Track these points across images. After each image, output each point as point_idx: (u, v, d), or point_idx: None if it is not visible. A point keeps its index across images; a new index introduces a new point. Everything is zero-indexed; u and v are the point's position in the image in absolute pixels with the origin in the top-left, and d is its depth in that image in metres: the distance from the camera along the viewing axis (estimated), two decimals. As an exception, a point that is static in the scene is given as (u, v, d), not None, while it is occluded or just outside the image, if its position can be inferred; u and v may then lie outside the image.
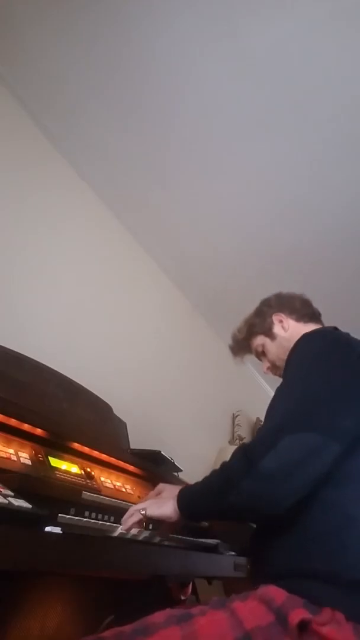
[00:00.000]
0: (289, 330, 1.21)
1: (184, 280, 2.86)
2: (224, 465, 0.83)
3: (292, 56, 1.57)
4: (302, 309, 1.24)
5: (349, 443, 0.79)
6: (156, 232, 2.50)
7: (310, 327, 1.17)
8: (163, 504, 0.89)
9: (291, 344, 1.03)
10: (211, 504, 0.84)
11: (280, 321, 1.24)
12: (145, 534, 0.90)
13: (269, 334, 1.25)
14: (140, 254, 2.59)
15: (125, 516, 0.89)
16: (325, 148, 1.88)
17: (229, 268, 2.68)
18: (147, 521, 0.91)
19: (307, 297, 1.29)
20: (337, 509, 0.78)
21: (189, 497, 0.88)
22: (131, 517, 0.88)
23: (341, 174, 1.98)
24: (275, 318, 1.25)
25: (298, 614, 0.67)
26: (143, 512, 0.89)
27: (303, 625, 0.66)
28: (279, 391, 0.90)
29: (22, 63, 1.74)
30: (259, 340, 1.27)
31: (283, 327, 1.22)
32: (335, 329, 1.08)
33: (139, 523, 0.89)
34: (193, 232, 2.47)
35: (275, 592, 0.72)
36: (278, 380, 0.99)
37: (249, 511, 0.80)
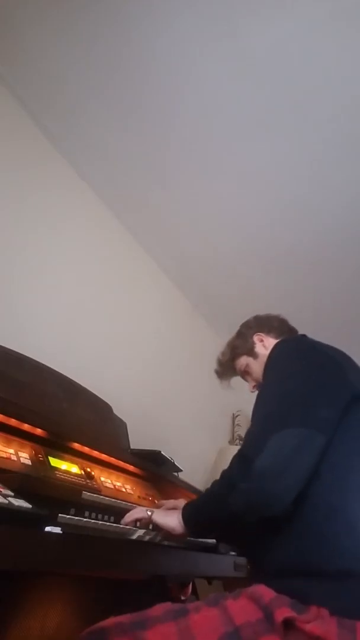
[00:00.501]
0: (269, 347, 1.23)
1: (184, 280, 2.85)
2: (224, 473, 0.87)
3: (292, 56, 1.57)
4: (280, 327, 1.31)
5: (332, 432, 0.83)
6: (156, 232, 2.50)
7: None
8: (170, 514, 0.93)
9: None
10: (213, 511, 0.87)
11: (261, 340, 1.30)
12: (150, 534, 0.91)
13: (252, 353, 1.31)
14: (140, 254, 2.59)
15: (131, 512, 0.94)
16: (325, 148, 1.88)
17: (229, 268, 2.68)
18: (150, 524, 0.93)
19: (283, 317, 1.36)
20: (320, 500, 0.80)
21: (191, 508, 0.91)
22: (136, 513, 0.93)
23: (341, 174, 1.98)
24: (256, 338, 1.31)
25: (282, 612, 0.69)
26: (150, 512, 0.93)
27: (288, 623, 0.69)
28: (259, 396, 0.95)
29: (22, 63, 1.74)
30: (243, 360, 1.33)
31: (264, 346, 1.29)
32: (304, 336, 1.15)
33: (141, 522, 0.93)
34: (193, 232, 2.47)
35: (264, 591, 0.75)
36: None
37: (249, 512, 0.81)
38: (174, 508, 1.09)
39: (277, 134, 1.85)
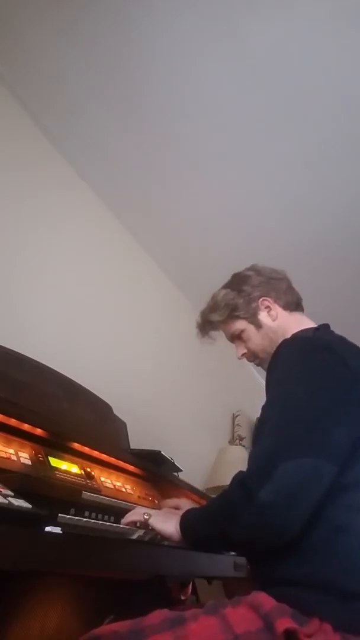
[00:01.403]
0: (277, 319, 1.10)
1: (184, 280, 2.85)
2: (224, 496, 0.82)
3: (292, 56, 1.57)
4: (288, 293, 1.13)
5: (343, 459, 0.79)
6: (156, 232, 2.50)
7: (297, 317, 1.11)
8: (168, 519, 0.90)
9: (278, 338, 1.01)
10: (213, 535, 0.84)
11: (268, 307, 1.11)
12: (150, 534, 0.91)
13: (254, 320, 1.11)
14: (140, 254, 2.59)
15: (130, 512, 0.92)
16: (325, 148, 1.88)
17: (229, 268, 2.67)
18: (146, 526, 0.92)
19: (288, 277, 1.17)
20: (327, 518, 0.78)
21: (190, 525, 0.87)
22: (133, 515, 0.91)
23: (341, 174, 1.98)
24: (262, 303, 1.12)
25: (283, 622, 0.67)
26: (147, 516, 0.90)
27: (290, 634, 0.67)
28: (265, 411, 0.88)
29: (22, 63, 1.74)
30: (240, 324, 1.13)
31: (270, 315, 1.10)
32: (318, 330, 1.03)
33: (136, 524, 0.91)
34: (193, 232, 2.47)
35: (264, 599, 0.73)
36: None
37: (252, 544, 0.80)
38: (176, 507, 1.09)
39: (277, 134, 1.85)
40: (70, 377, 1.35)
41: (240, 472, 0.82)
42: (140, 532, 0.89)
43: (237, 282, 1.17)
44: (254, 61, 1.60)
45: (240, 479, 0.80)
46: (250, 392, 3.47)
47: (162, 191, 2.23)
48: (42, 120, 1.93)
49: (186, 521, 0.87)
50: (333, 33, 1.49)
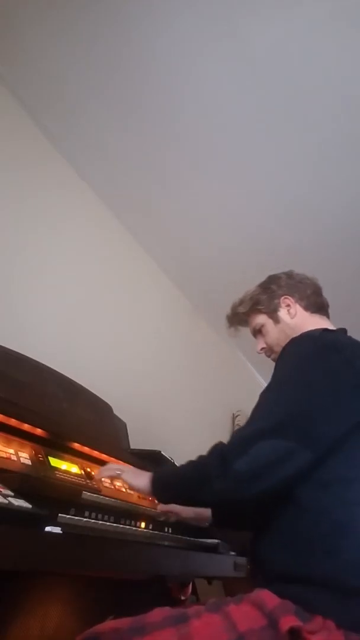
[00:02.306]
0: (295, 317, 1.15)
1: (184, 280, 2.85)
2: (200, 460, 0.87)
3: (292, 56, 1.57)
4: (312, 297, 1.17)
5: (323, 450, 0.81)
6: (156, 232, 2.50)
7: (316, 319, 1.14)
8: (140, 475, 0.96)
9: (294, 333, 1.03)
10: (183, 495, 0.90)
11: (288, 306, 1.16)
12: (150, 534, 0.91)
13: (273, 316, 1.17)
14: (140, 254, 2.59)
15: (102, 468, 0.99)
16: (325, 148, 1.88)
17: (229, 268, 2.68)
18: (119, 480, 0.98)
19: (319, 284, 1.22)
20: (327, 514, 0.79)
21: (163, 482, 0.93)
22: (107, 471, 0.97)
23: (341, 174, 1.98)
24: (284, 301, 1.17)
25: (288, 620, 0.68)
26: (119, 472, 0.97)
27: (294, 632, 0.67)
28: (262, 394, 0.91)
29: (22, 63, 1.74)
30: (261, 319, 1.19)
31: (289, 313, 1.16)
32: (326, 330, 1.05)
33: (110, 478, 0.98)
34: (193, 232, 2.47)
35: (267, 597, 0.73)
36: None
37: (217, 507, 0.90)
38: (176, 511, 1.11)
39: (277, 134, 1.85)
40: (70, 377, 1.35)
41: (221, 443, 0.87)
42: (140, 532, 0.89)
43: (268, 281, 1.24)
44: (254, 61, 1.60)
45: (219, 448, 0.85)
46: (250, 392, 3.46)
47: (162, 191, 2.23)
48: (42, 120, 1.93)
49: (160, 477, 0.93)
50: (333, 33, 1.49)
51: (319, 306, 1.18)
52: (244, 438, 0.83)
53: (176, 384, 2.64)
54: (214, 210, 2.29)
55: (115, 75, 1.72)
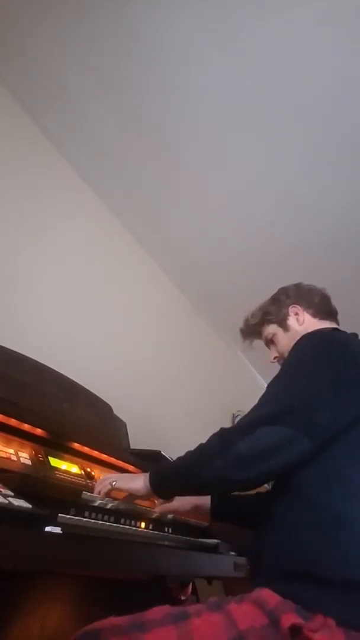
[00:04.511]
0: (304, 324, 1.18)
1: (184, 280, 2.85)
2: (200, 445, 0.89)
3: (292, 56, 1.57)
4: (320, 305, 1.21)
5: (323, 440, 0.83)
6: (156, 232, 2.50)
7: (325, 324, 1.17)
8: (135, 478, 0.97)
9: None
10: (183, 478, 0.91)
11: (296, 314, 1.20)
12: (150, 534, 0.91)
13: (283, 324, 1.21)
14: (140, 254, 2.59)
15: (96, 484, 0.98)
16: (326, 148, 1.88)
17: (229, 268, 2.68)
18: (113, 492, 0.96)
19: (327, 293, 1.25)
20: (328, 509, 0.79)
21: (161, 474, 0.95)
22: (100, 487, 0.96)
23: (341, 174, 1.98)
24: (292, 310, 1.21)
25: (289, 618, 0.67)
26: (113, 483, 0.96)
27: (295, 630, 0.67)
28: (270, 384, 0.94)
29: (22, 63, 1.74)
30: (271, 329, 1.24)
31: (297, 320, 1.19)
32: (336, 329, 1.09)
33: (107, 493, 0.95)
34: (193, 232, 2.47)
35: (268, 595, 0.73)
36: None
37: (215, 486, 0.91)
38: (175, 510, 1.11)
39: (277, 134, 1.85)
40: (70, 377, 1.35)
41: (221, 428, 0.90)
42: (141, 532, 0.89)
43: (278, 293, 1.29)
44: (254, 61, 1.60)
45: (221, 432, 0.88)
46: (250, 392, 3.47)
47: (162, 191, 2.23)
48: (42, 120, 1.93)
49: (156, 470, 0.95)
50: (333, 33, 1.49)
51: (327, 313, 1.21)
52: (247, 422, 0.86)
53: (176, 384, 2.64)
54: (214, 211, 2.29)
55: (116, 76, 1.72)
